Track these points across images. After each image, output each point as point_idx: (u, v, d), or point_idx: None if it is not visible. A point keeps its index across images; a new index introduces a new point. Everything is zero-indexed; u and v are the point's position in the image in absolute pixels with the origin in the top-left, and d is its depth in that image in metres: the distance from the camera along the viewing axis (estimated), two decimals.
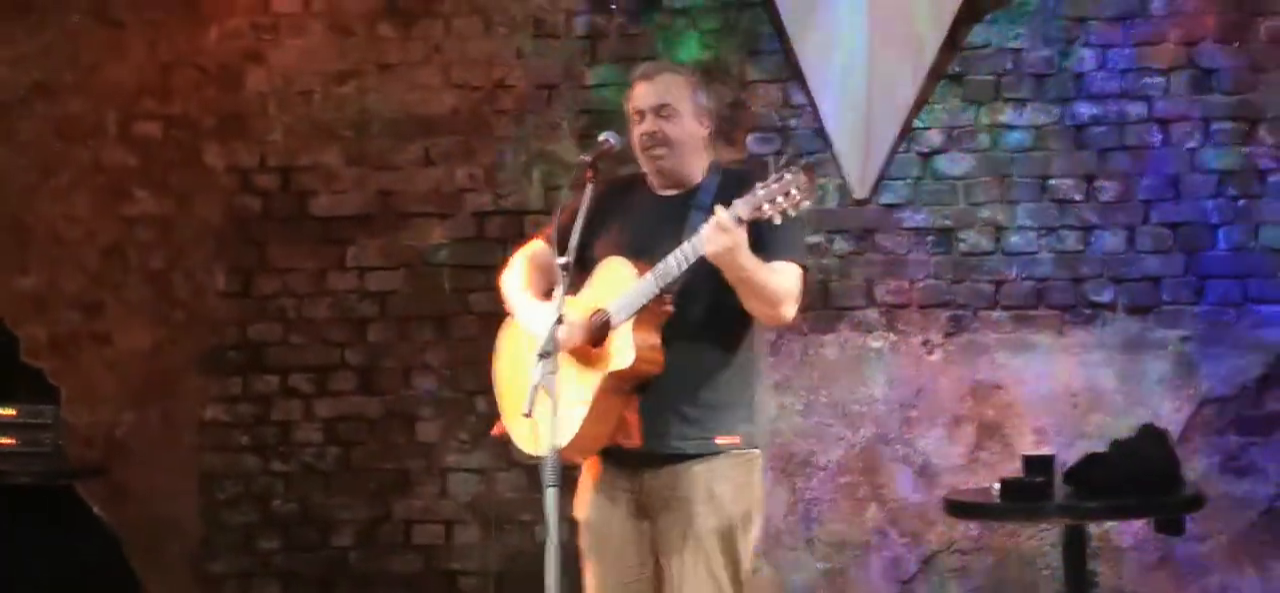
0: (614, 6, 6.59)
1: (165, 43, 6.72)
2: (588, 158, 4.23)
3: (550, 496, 3.92)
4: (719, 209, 4.01)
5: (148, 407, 6.68)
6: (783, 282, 4.14)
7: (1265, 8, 6.24)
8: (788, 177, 3.99)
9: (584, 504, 4.30)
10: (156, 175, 6.71)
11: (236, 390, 6.69)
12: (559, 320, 4.02)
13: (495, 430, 4.39)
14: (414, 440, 6.62)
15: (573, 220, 4.17)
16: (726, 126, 6.47)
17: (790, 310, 4.18)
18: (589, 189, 4.17)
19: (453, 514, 6.61)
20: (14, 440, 6.20)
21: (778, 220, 3.99)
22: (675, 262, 4.07)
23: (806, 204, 3.99)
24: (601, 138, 4.26)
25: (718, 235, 3.99)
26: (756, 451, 4.30)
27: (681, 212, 4.20)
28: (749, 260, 4.04)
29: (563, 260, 4.05)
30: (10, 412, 6.23)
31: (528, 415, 3.96)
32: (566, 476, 4.01)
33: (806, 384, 6.40)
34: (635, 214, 4.27)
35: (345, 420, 6.68)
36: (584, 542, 4.29)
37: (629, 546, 4.26)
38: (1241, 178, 6.24)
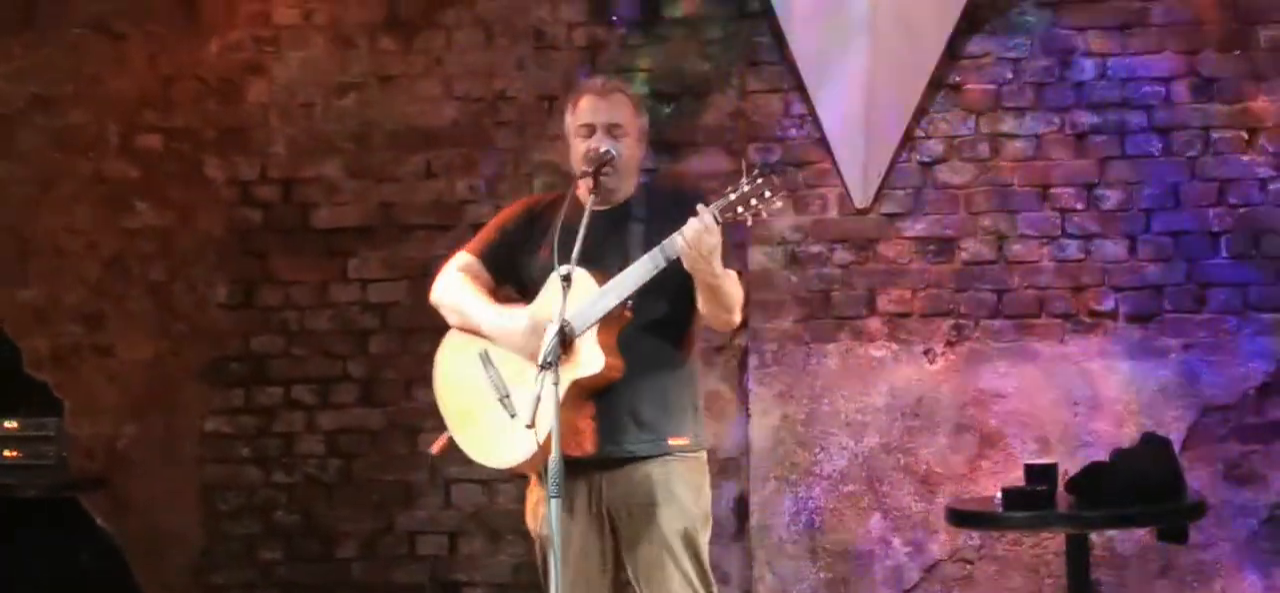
0: (614, 18, 6.60)
1: (166, 55, 6.73)
2: (588, 168, 4.28)
3: (554, 506, 3.95)
4: (702, 209, 4.09)
5: (149, 419, 6.68)
6: (737, 288, 4.27)
7: (1264, 16, 6.25)
8: (760, 181, 4.12)
9: (538, 518, 4.32)
10: (158, 187, 6.72)
11: (238, 402, 6.69)
12: (561, 331, 4.04)
13: (435, 447, 4.44)
14: (417, 452, 6.61)
15: (511, 230, 4.36)
16: (728, 137, 6.51)
17: (739, 317, 4.32)
18: (591, 201, 4.23)
19: (456, 525, 6.62)
20: (18, 453, 6.20)
21: (750, 222, 4.14)
22: (644, 267, 4.16)
23: (778, 205, 4.16)
24: (602, 149, 4.30)
25: (706, 236, 4.07)
26: (703, 453, 4.41)
27: (620, 224, 4.31)
28: (721, 264, 4.14)
29: (564, 270, 4.08)
30: (14, 425, 6.23)
31: (530, 426, 3.98)
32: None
33: (809, 393, 6.41)
34: (574, 228, 4.23)
35: (347, 432, 6.68)
36: (541, 555, 4.32)
37: (591, 554, 4.32)
38: (1242, 186, 6.25)
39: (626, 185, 4.40)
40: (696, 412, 4.41)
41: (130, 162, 6.73)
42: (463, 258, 4.52)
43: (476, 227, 6.50)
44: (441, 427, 6.53)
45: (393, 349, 6.67)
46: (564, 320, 4.09)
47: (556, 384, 3.99)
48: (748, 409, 6.43)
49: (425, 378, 6.51)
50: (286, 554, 6.67)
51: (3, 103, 6.72)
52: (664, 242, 4.13)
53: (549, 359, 4.00)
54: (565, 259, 4.13)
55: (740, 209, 4.12)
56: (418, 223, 6.67)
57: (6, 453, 6.18)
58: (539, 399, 3.97)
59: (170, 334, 6.71)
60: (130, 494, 6.62)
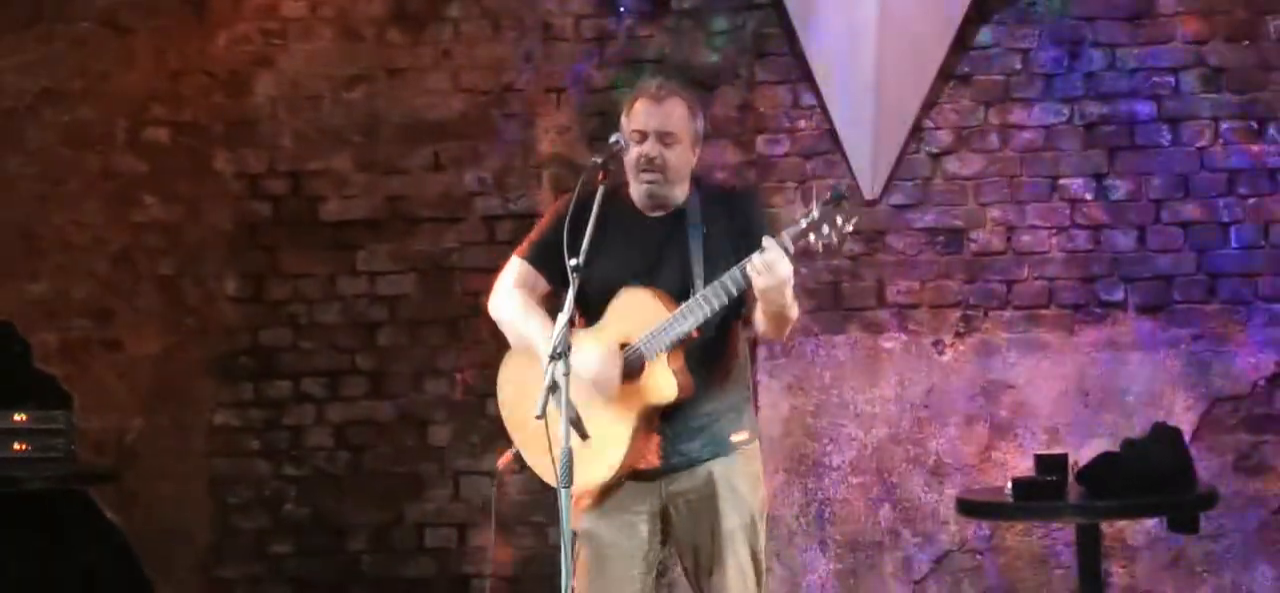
0: (622, 9, 6.59)
1: (174, 49, 6.73)
2: (599, 159, 4.25)
3: (563, 496, 3.93)
4: (769, 242, 4.04)
5: (158, 413, 6.68)
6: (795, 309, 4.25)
7: (1274, 6, 6.24)
8: (831, 205, 4.12)
9: (589, 516, 4.30)
10: (166, 181, 6.72)
11: (247, 396, 6.69)
12: (571, 322, 4.02)
13: (501, 462, 4.38)
14: (426, 444, 6.62)
15: (560, 228, 4.14)
16: (737, 129, 6.50)
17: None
18: (602, 190, 4.18)
19: (465, 517, 6.61)
20: (27, 446, 6.19)
21: (820, 250, 4.11)
22: (716, 296, 4.13)
23: (850, 229, 4.12)
24: (612, 139, 4.29)
25: (779, 266, 4.03)
26: (757, 440, 4.43)
27: (678, 233, 4.28)
28: (792, 294, 4.13)
29: (573, 262, 4.05)
30: (23, 418, 6.22)
31: (540, 417, 3.95)
32: None
33: (818, 385, 6.40)
34: (631, 235, 4.25)
35: (356, 425, 6.68)
36: (586, 552, 4.28)
37: (637, 557, 4.31)
38: (1252, 176, 6.24)
39: (678, 192, 4.33)
40: (749, 401, 4.43)
41: (138, 156, 6.73)
42: (516, 268, 4.41)
43: (485, 219, 6.61)
44: (450, 420, 6.61)
45: (401, 342, 6.67)
46: (635, 346, 4.16)
47: (567, 375, 3.94)
48: (757, 401, 6.42)
49: (434, 370, 6.62)
50: (296, 547, 6.67)
51: (11, 98, 6.71)
52: (734, 270, 4.10)
53: (559, 349, 3.97)
54: (628, 267, 4.18)
55: (812, 237, 4.10)
56: (426, 215, 6.67)
57: (16, 446, 6.16)
58: (551, 388, 3.93)
59: (179, 328, 6.70)
60: (139, 488, 6.61)
